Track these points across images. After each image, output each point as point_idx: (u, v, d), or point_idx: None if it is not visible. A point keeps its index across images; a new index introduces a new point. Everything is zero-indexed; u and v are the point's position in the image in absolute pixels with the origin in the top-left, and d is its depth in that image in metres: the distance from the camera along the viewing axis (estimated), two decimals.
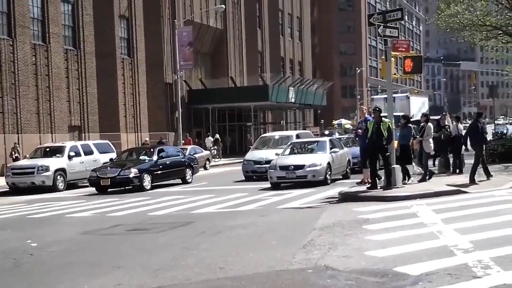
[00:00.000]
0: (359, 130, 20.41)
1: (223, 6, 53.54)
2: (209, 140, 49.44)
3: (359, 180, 20.08)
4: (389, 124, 17.57)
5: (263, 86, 56.58)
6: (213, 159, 44.45)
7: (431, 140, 20.25)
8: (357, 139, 22.62)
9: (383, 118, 17.80)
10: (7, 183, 27.85)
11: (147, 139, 43.37)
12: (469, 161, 24.83)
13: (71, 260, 10.69)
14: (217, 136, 51.22)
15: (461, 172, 21.17)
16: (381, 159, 18.18)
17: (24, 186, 27.26)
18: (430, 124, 20.52)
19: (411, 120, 22.31)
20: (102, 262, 10.27)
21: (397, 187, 17.42)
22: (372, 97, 68.96)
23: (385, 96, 38.46)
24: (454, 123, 22.56)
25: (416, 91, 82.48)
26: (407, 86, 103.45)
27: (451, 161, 21.89)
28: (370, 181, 18.39)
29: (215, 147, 48.42)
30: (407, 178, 18.75)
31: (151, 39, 49.86)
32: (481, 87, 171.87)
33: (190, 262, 9.73)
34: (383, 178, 17.86)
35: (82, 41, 43.67)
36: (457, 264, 8.26)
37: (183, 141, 43.36)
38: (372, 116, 18.44)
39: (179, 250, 10.87)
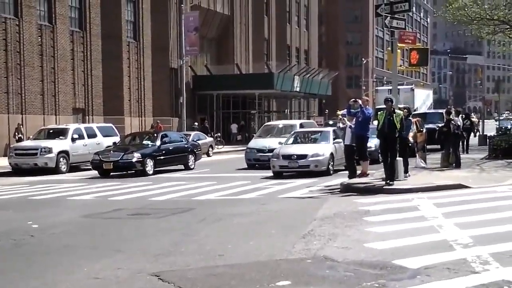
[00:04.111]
0: (345, 119, 19.31)
1: None
2: (234, 126, 49.12)
3: (360, 172, 19.93)
4: (402, 116, 17.25)
5: (268, 74, 56.47)
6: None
7: None
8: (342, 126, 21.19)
9: (396, 110, 17.33)
10: (10, 163, 27.92)
11: (196, 123, 43.07)
12: (475, 155, 24.88)
13: (71, 242, 10.72)
14: (243, 122, 50.85)
15: (458, 167, 21.11)
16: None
17: (27, 167, 27.31)
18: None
19: (415, 112, 22.18)
20: (102, 246, 10.32)
21: (399, 180, 17.38)
22: (376, 88, 68.73)
23: (390, 87, 38.36)
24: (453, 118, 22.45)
25: (422, 83, 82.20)
26: (413, 78, 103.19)
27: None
28: (369, 173, 18.42)
29: (240, 133, 47.89)
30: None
31: (157, 23, 49.74)
32: (487, 81, 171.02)
33: (190, 248, 9.77)
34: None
35: (88, 23, 43.59)
36: (456, 259, 8.26)
37: (154, 128, 42.20)
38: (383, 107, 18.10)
39: (179, 236, 10.90)
